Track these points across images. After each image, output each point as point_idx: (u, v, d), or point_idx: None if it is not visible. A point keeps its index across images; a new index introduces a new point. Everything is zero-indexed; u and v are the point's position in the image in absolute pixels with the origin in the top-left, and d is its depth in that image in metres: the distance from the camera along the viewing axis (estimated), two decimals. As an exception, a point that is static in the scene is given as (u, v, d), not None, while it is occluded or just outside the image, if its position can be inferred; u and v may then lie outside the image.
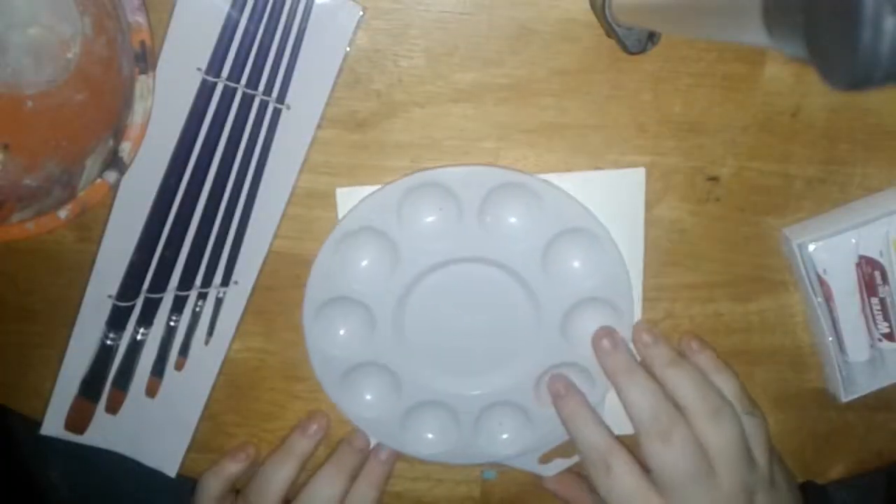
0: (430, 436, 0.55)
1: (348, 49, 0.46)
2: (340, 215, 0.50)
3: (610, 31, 0.43)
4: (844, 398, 0.53)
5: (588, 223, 0.49)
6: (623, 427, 0.51)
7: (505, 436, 0.55)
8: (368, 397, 0.54)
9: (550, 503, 0.58)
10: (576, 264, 0.50)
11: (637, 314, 0.52)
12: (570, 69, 0.47)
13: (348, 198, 0.49)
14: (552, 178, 0.49)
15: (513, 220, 0.49)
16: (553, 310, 0.51)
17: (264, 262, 0.51)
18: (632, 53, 0.43)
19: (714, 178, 0.50)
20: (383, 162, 0.49)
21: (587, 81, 0.47)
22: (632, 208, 0.50)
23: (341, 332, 0.52)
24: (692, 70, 0.47)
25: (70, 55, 0.45)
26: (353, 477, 0.54)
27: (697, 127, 0.49)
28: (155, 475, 0.56)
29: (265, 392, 0.55)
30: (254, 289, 0.51)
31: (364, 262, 0.50)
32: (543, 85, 0.48)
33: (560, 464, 0.56)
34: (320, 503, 0.53)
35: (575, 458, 0.56)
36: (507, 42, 0.47)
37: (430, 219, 0.49)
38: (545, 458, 0.56)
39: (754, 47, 0.40)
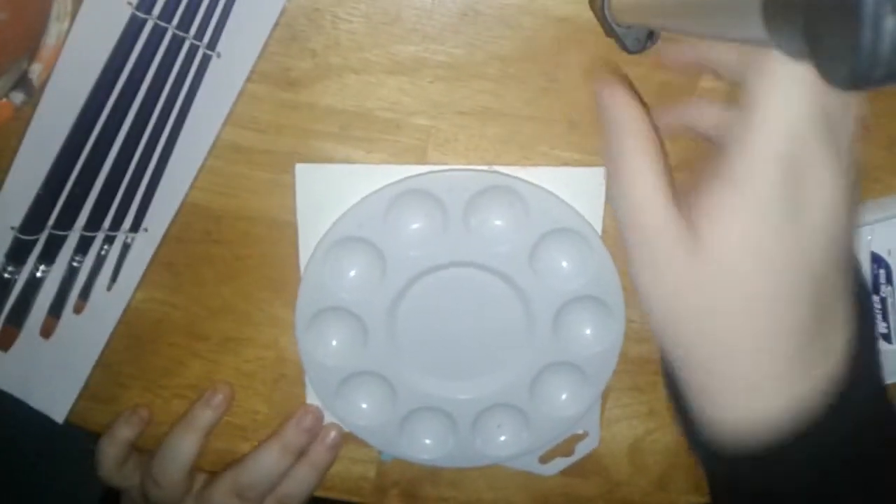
0: (427, 441, 0.55)
1: (287, 3, 0.45)
2: (298, 193, 0.49)
3: (609, 31, 0.42)
4: None
5: (574, 223, 0.48)
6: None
7: (503, 438, 0.55)
8: (364, 406, 0.54)
9: (445, 489, 0.57)
10: (564, 264, 0.50)
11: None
12: (509, 56, 0.47)
13: (308, 175, 0.49)
14: (512, 171, 0.48)
15: (498, 222, 0.49)
16: (543, 310, 0.51)
17: (177, 213, 0.49)
18: (631, 53, 0.42)
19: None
20: (312, 125, 0.48)
21: (524, 70, 0.47)
22: (591, 207, 0.49)
23: (333, 342, 0.52)
24: (632, 74, 0.47)
25: (-2, -27, 0.43)
26: (298, 455, 0.54)
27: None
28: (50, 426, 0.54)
29: (165, 347, 0.53)
30: (164, 239, 0.50)
31: (352, 272, 0.50)
32: (481, 68, 0.47)
33: (560, 463, 0.56)
34: (260, 478, 0.52)
35: (575, 458, 0.55)
36: (450, 20, 0.46)
37: (415, 225, 0.49)
38: (545, 458, 0.56)
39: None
